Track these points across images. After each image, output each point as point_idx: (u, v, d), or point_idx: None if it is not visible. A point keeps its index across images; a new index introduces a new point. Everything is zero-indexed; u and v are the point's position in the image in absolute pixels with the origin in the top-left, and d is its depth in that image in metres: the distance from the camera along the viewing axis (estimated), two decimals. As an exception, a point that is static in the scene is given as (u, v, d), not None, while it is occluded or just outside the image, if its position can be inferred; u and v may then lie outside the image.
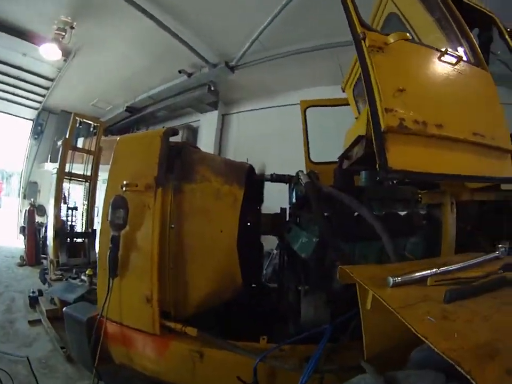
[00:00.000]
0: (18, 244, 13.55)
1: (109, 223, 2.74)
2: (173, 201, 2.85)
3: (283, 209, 3.38)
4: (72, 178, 8.56)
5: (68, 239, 8.51)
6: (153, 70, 10.22)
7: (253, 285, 3.70)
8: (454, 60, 2.41)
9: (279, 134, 9.85)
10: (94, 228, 8.92)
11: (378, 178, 2.38)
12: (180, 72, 9.77)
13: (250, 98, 11.18)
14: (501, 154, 2.60)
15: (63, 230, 8.42)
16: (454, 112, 2.40)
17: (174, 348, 2.82)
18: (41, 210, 12.64)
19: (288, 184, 3.56)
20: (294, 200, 3.24)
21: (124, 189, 2.83)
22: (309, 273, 2.90)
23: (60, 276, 7.78)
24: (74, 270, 7.68)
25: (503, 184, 2.84)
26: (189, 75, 9.85)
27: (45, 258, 9.97)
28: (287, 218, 3.44)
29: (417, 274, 1.64)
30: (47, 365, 4.29)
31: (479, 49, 2.77)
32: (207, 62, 9.23)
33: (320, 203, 2.69)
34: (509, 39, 3.11)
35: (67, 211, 8.81)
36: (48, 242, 9.10)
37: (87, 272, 6.93)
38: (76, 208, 9.00)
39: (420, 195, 2.88)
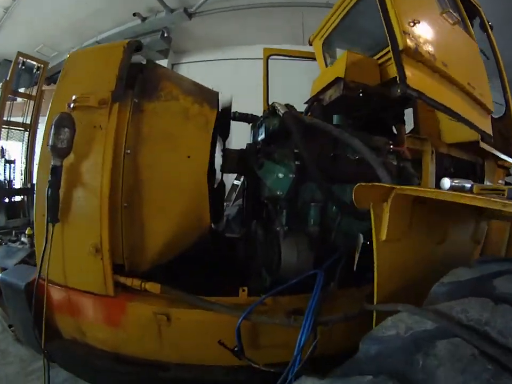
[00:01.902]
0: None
1: (50, 148, 2.08)
2: (131, 121, 2.24)
3: (251, 145, 2.87)
4: (10, 126, 7.69)
5: (6, 198, 7.74)
6: (105, 12, 9.51)
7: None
8: (453, 20, 2.66)
9: (230, 88, 9.49)
10: (34, 182, 8.03)
11: (398, 91, 2.29)
12: (134, 15, 9.21)
13: (202, 49, 10.73)
14: (484, 112, 2.88)
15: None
16: (455, 60, 2.62)
17: (133, 311, 2.28)
18: None
19: (251, 125, 3.18)
20: (262, 137, 2.77)
21: (72, 105, 2.20)
22: (287, 213, 2.47)
23: None
24: (13, 232, 6.98)
25: (481, 142, 3.09)
26: (143, 19, 9.36)
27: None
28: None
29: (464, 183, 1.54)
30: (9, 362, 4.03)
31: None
32: (165, 5, 8.75)
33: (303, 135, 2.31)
34: (490, 31, 3.48)
35: (4, 165, 7.94)
36: None
37: (26, 232, 6.19)
38: (13, 162, 8.08)
39: (391, 145, 2.67)
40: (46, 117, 2.36)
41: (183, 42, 10.56)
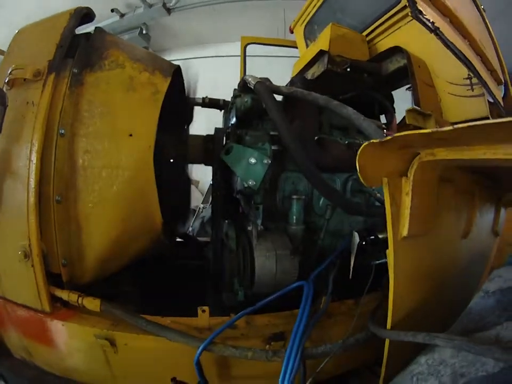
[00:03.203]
0: None
1: None
2: (68, 95, 1.79)
3: (219, 129, 2.40)
4: None
5: None
6: None
7: (177, 238, 2.87)
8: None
9: (210, 86, 9.42)
10: None
11: (410, 14, 2.23)
12: (112, 11, 8.79)
13: (182, 47, 10.33)
14: (495, 82, 2.75)
15: None
16: (466, 14, 2.57)
17: (71, 332, 1.85)
18: None
19: (223, 111, 2.72)
20: (233, 121, 2.31)
21: (7, 79, 1.81)
22: (262, 209, 2.02)
23: None
24: None
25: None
26: (122, 15, 9.01)
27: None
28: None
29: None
30: None
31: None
32: (144, 1, 8.49)
33: (279, 106, 1.85)
34: (484, 14, 3.31)
35: None
36: None
37: None
38: None
39: (385, 129, 2.34)
40: None
41: (162, 40, 10.21)
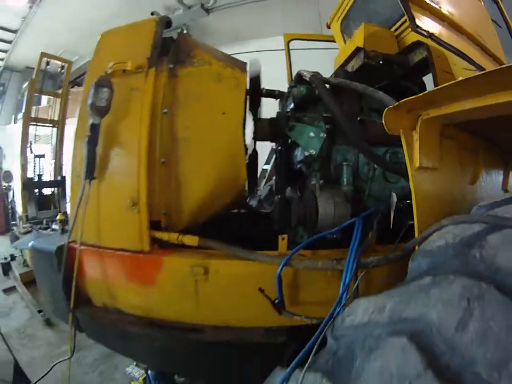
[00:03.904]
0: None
1: (89, 106, 2.13)
2: (167, 84, 2.30)
3: (281, 112, 2.86)
4: (39, 123, 8.10)
5: (37, 190, 8.06)
6: (124, 14, 9.46)
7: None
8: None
9: None
10: (63, 175, 8.37)
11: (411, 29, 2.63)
12: (152, 14, 9.19)
13: (221, 44, 10.29)
14: (497, 64, 3.05)
15: (30, 181, 7.96)
16: (462, 14, 2.89)
17: (169, 266, 2.27)
18: (8, 177, 11.93)
19: (279, 100, 3.15)
20: (291, 106, 2.81)
21: (110, 71, 2.28)
22: (321, 173, 2.51)
23: (29, 229, 7.39)
24: (44, 221, 7.29)
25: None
26: None
27: (15, 225, 9.33)
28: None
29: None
30: (26, 335, 4.24)
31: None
32: (182, 3, 8.91)
33: (330, 93, 2.37)
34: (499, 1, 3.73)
35: (34, 159, 8.28)
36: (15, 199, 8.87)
37: (58, 218, 6.39)
38: (43, 156, 8.45)
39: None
40: (83, 89, 2.48)
41: (202, 39, 10.32)
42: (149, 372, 4.07)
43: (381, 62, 2.80)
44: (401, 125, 1.68)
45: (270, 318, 2.19)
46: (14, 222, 9.61)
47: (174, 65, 2.33)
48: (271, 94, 3.00)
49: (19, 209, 8.30)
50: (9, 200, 10.95)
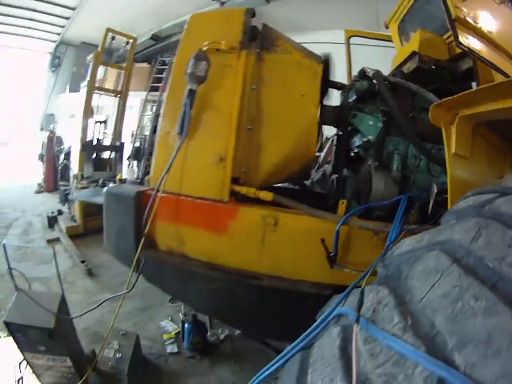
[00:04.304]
0: (31, 178, 13.86)
1: (189, 75, 2.56)
2: (255, 65, 2.73)
3: (344, 102, 3.24)
4: (102, 92, 8.62)
5: (94, 153, 8.55)
6: None
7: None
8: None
9: None
10: (123, 141, 8.91)
11: (455, 45, 2.82)
12: None
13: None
14: None
15: (89, 143, 8.44)
16: (501, 31, 3.01)
17: (244, 215, 2.65)
18: (59, 141, 12.67)
19: (340, 91, 3.47)
20: (353, 98, 3.15)
21: (205, 48, 2.69)
22: (376, 157, 2.86)
23: (86, 185, 7.81)
24: (101, 180, 7.73)
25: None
26: (222, 3, 9.74)
27: (63, 185, 10.00)
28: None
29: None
30: (66, 281, 4.15)
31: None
32: None
33: (390, 90, 2.75)
34: None
35: (95, 124, 8.89)
36: (72, 158, 9.49)
37: (117, 177, 6.97)
38: (104, 122, 9.09)
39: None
40: (173, 64, 2.96)
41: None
42: (186, 325, 4.41)
43: (433, 67, 3.08)
44: (443, 119, 2.06)
45: (319, 274, 2.55)
46: (61, 183, 10.29)
47: (261, 50, 2.74)
48: (335, 85, 3.34)
49: (75, 168, 8.77)
50: (59, 162, 11.56)
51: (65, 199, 9.29)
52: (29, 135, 19.24)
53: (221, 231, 2.70)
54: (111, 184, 6.96)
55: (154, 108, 11.18)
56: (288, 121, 2.79)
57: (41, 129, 17.11)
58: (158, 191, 2.67)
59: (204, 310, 3.68)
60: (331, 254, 2.42)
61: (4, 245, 3.71)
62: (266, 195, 2.63)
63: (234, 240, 2.69)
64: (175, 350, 4.59)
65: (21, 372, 3.87)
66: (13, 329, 3.56)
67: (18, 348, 3.72)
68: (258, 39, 2.81)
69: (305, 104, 2.78)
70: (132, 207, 2.81)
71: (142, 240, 2.69)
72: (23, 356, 3.75)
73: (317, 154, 8.19)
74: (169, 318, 5.28)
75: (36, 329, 3.50)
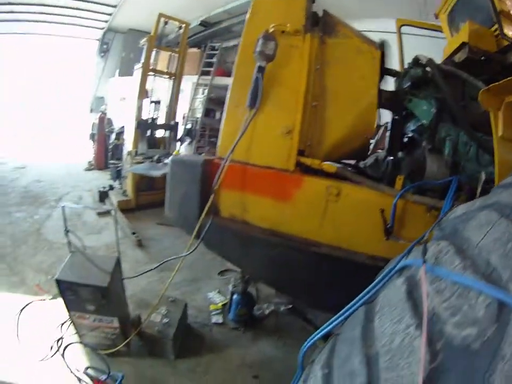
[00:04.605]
0: (81, 157, 14.36)
1: (258, 53, 2.73)
2: (318, 49, 2.89)
3: (400, 88, 3.38)
4: (157, 73, 8.99)
5: (148, 131, 8.85)
6: None
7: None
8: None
9: None
10: (177, 121, 9.29)
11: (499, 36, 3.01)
12: None
13: None
14: None
15: (144, 121, 8.74)
16: None
17: (308, 184, 2.80)
18: (109, 122, 13.21)
19: (395, 78, 3.58)
20: (407, 84, 3.28)
21: (271, 30, 2.84)
22: (429, 137, 3.00)
23: (141, 161, 8.04)
24: (156, 156, 7.95)
25: None
26: None
27: (113, 164, 10.47)
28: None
29: None
30: (115, 251, 4.41)
31: None
32: None
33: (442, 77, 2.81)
34: None
35: (150, 105, 9.14)
36: (126, 136, 10.14)
37: (174, 153, 7.24)
38: (158, 102, 9.30)
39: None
40: (240, 43, 3.08)
41: None
42: (234, 296, 4.60)
43: (482, 58, 3.15)
44: (491, 105, 2.16)
45: (375, 247, 2.68)
46: (112, 161, 10.79)
47: (323, 34, 2.91)
48: (390, 72, 3.46)
49: (129, 146, 9.16)
50: (110, 141, 12.19)
51: (117, 175, 9.69)
52: (77, 118, 19.92)
53: (286, 199, 2.86)
54: (166, 160, 7.31)
55: (205, 92, 11.40)
56: (350, 100, 2.93)
57: (91, 111, 17.94)
58: (227, 160, 2.85)
59: (260, 277, 3.80)
60: (388, 226, 2.55)
61: (63, 207, 3.91)
62: (330, 167, 2.77)
63: (298, 209, 2.84)
64: (220, 320, 4.81)
65: (61, 332, 4.02)
66: (63, 288, 3.77)
67: (66, 307, 3.90)
68: (320, 24, 2.97)
69: (365, 85, 2.94)
70: (199, 174, 3.00)
71: (210, 200, 2.91)
72: (69, 315, 3.94)
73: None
74: (217, 290, 5.51)
75: (89, 288, 3.72)
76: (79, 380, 2.58)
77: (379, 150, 4.46)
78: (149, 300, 4.79)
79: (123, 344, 3.89)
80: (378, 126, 6.49)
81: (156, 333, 4.08)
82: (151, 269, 3.98)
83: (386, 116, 3.70)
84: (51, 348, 4.09)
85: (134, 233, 7.06)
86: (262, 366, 4.04)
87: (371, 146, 6.87)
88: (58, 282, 3.75)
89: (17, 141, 17.30)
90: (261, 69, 2.76)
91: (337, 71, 2.92)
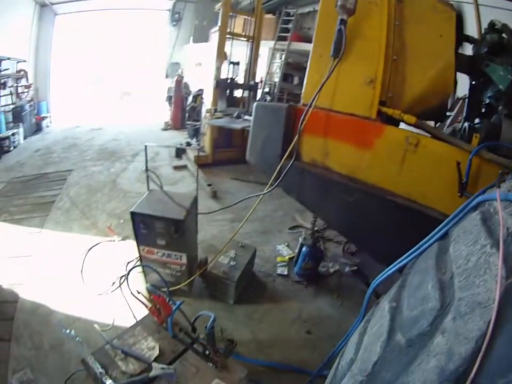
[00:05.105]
0: (157, 119, 14.98)
1: (340, 7, 2.76)
2: (396, 6, 2.91)
3: (478, 53, 3.27)
4: (234, 37, 9.23)
5: (228, 91, 9.11)
6: None
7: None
8: None
9: None
10: (257, 81, 9.48)
11: None
12: None
13: None
14: None
15: (223, 81, 8.97)
16: None
17: (389, 133, 2.83)
18: (185, 86, 13.80)
19: (472, 45, 3.47)
20: (484, 50, 3.17)
21: None
22: (506, 102, 2.93)
23: (221, 116, 8.32)
24: (235, 113, 8.22)
25: None
26: None
27: (189, 124, 10.89)
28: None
29: None
30: None
31: None
32: None
33: None
34: None
35: (228, 66, 9.42)
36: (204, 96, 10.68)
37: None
38: (237, 63, 9.59)
39: None
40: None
41: None
42: (303, 248, 4.71)
43: None
44: None
45: (449, 204, 2.52)
46: (189, 122, 11.37)
47: None
48: (467, 38, 3.40)
49: (208, 104, 9.59)
50: (187, 103, 12.89)
51: (194, 133, 10.16)
52: (153, 83, 20.66)
53: (366, 146, 2.91)
54: (246, 117, 7.43)
55: (283, 57, 11.44)
56: (429, 56, 2.92)
57: (166, 76, 18.62)
58: (311, 105, 2.95)
59: (334, 223, 3.79)
60: (462, 182, 2.50)
61: (146, 146, 4.17)
62: (410, 118, 2.78)
63: (377, 157, 2.89)
64: (285, 272, 5.00)
65: (126, 271, 4.05)
66: (138, 221, 4.00)
67: (137, 241, 4.16)
68: None
69: (443, 43, 2.92)
70: (283, 117, 3.12)
71: (293, 143, 3.04)
72: (138, 250, 4.20)
73: (448, 114, 8.05)
74: (286, 244, 5.71)
75: (164, 220, 3.95)
76: (141, 302, 2.71)
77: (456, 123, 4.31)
78: (218, 246, 4.98)
79: (187, 281, 4.13)
80: (457, 99, 6.30)
81: (221, 274, 4.28)
82: (230, 205, 4.32)
83: (463, 88, 3.59)
84: (113, 283, 4.54)
85: (209, 185, 7.43)
86: (317, 323, 4.12)
87: (448, 121, 6.73)
88: (133, 214, 4.01)
89: (94, 108, 18.38)
90: (343, 22, 2.82)
91: (416, 28, 2.94)
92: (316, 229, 4.83)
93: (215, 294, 4.38)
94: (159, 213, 3.98)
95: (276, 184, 3.22)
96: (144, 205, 4.14)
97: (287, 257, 5.32)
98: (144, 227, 4.03)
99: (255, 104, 3.49)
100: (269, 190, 3.29)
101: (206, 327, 2.29)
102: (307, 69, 3.18)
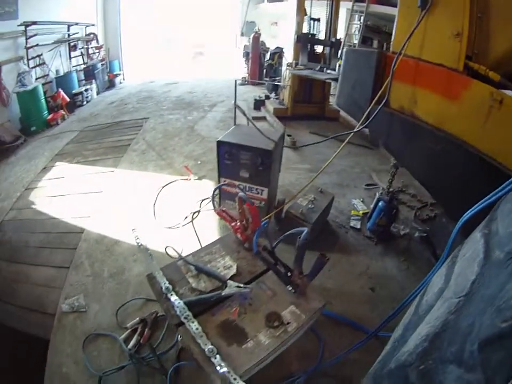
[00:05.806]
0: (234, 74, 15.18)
1: None
2: None
3: None
4: None
5: (309, 46, 9.19)
6: None
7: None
8: None
9: None
10: (338, 38, 9.44)
11: None
12: None
13: None
14: None
15: (304, 35, 9.08)
16: None
17: (475, 87, 2.72)
18: (262, 44, 14.08)
19: None
20: None
21: None
22: None
23: (303, 69, 8.51)
24: (318, 67, 8.36)
25: None
26: None
27: (267, 80, 11.18)
28: None
29: None
30: None
31: None
32: None
33: None
34: None
35: (309, 22, 9.56)
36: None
37: (338, 63, 7.48)
38: (318, 20, 9.75)
39: None
40: None
41: None
42: (380, 203, 4.69)
43: None
44: None
45: None
46: (266, 78, 11.73)
47: None
48: None
49: (289, 58, 9.76)
50: (265, 60, 13.17)
51: (272, 88, 10.37)
52: (229, 41, 20.92)
53: (453, 97, 2.86)
54: (329, 71, 7.44)
55: (361, 18, 11.15)
56: None
57: (242, 34, 18.82)
58: (401, 52, 2.99)
59: (417, 171, 3.76)
60: None
61: (236, 81, 4.47)
62: (495, 75, 2.68)
63: (463, 109, 2.82)
64: (358, 226, 5.07)
65: (200, 207, 4.37)
66: (223, 151, 4.07)
67: (219, 172, 4.25)
68: None
69: None
70: (374, 62, 3.18)
71: (383, 87, 3.08)
72: (219, 182, 4.28)
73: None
74: (361, 199, 5.78)
75: (252, 151, 3.97)
76: (227, 216, 2.83)
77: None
78: (295, 192, 5.01)
79: (265, 218, 4.08)
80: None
81: (299, 215, 4.33)
82: (324, 140, 4.36)
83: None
84: (185, 217, 4.73)
85: (289, 135, 7.56)
86: (381, 282, 4.10)
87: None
88: (219, 144, 4.09)
89: (167, 67, 19.08)
90: None
91: None
92: (391, 190, 4.78)
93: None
94: (246, 143, 4.01)
95: (365, 125, 3.26)
96: (230, 136, 4.18)
97: (361, 212, 5.34)
98: (228, 158, 4.07)
99: (345, 49, 3.58)
100: (358, 129, 3.34)
101: (299, 237, 2.28)
102: (396, 19, 3.21)
